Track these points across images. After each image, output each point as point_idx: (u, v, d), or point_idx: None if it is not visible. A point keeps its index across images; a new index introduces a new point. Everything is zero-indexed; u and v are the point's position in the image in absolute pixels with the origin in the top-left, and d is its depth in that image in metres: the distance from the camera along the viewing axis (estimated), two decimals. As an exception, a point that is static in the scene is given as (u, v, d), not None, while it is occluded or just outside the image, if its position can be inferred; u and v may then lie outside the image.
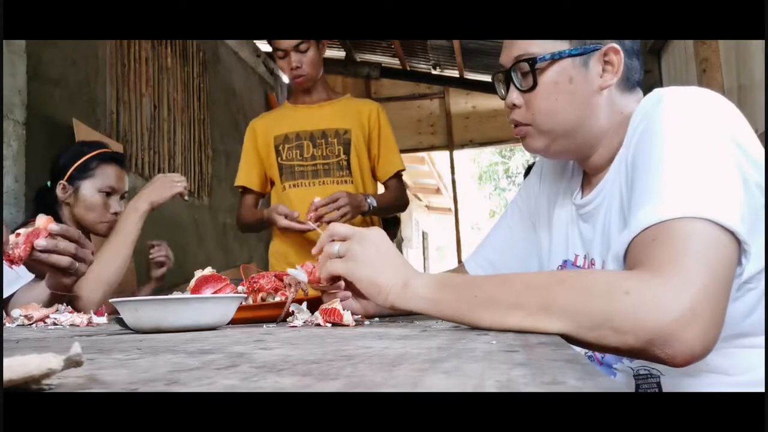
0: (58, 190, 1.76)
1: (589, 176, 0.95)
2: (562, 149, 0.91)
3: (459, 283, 0.73)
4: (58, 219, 1.70)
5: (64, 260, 1.12)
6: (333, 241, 0.84)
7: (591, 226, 0.91)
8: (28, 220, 1.82)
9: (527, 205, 1.10)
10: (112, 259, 1.50)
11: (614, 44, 0.86)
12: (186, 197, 1.72)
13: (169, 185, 1.64)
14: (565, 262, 0.97)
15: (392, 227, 4.90)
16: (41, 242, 1.09)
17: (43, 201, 1.82)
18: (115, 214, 1.76)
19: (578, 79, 0.86)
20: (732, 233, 0.63)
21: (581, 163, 0.95)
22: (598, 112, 0.87)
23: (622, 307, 0.59)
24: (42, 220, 1.12)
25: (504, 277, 0.71)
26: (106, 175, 1.78)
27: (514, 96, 0.90)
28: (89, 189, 1.76)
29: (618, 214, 0.84)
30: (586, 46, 0.86)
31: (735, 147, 0.70)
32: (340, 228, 0.85)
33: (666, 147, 0.71)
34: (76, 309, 1.22)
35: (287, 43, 1.98)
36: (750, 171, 0.71)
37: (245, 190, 2.17)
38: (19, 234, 1.10)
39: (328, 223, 1.16)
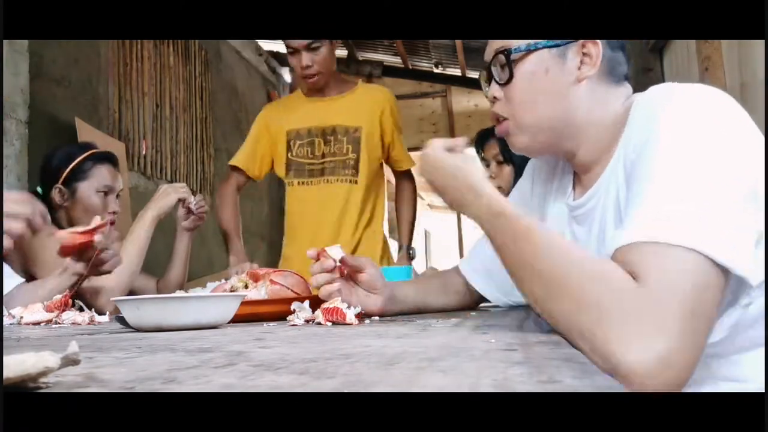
0: (55, 195, 1.71)
1: (579, 175, 0.92)
2: (545, 145, 0.89)
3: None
4: (56, 224, 1.69)
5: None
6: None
7: (586, 229, 0.89)
8: None
9: (520, 208, 1.09)
10: (124, 271, 1.50)
11: None
12: (192, 204, 1.75)
13: (171, 192, 1.69)
14: None
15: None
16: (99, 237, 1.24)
17: None
18: (114, 213, 1.74)
19: (555, 70, 0.84)
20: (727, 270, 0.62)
21: (569, 160, 0.93)
22: (578, 104, 0.85)
23: (603, 335, 0.58)
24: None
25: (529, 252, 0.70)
26: (102, 174, 1.75)
27: (495, 89, 0.90)
28: (86, 190, 1.73)
29: (614, 216, 0.81)
30: None
31: (751, 165, 0.67)
32: None
33: (675, 160, 0.67)
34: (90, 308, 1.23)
35: (298, 42, 1.96)
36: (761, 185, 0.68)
37: (237, 169, 2.15)
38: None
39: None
